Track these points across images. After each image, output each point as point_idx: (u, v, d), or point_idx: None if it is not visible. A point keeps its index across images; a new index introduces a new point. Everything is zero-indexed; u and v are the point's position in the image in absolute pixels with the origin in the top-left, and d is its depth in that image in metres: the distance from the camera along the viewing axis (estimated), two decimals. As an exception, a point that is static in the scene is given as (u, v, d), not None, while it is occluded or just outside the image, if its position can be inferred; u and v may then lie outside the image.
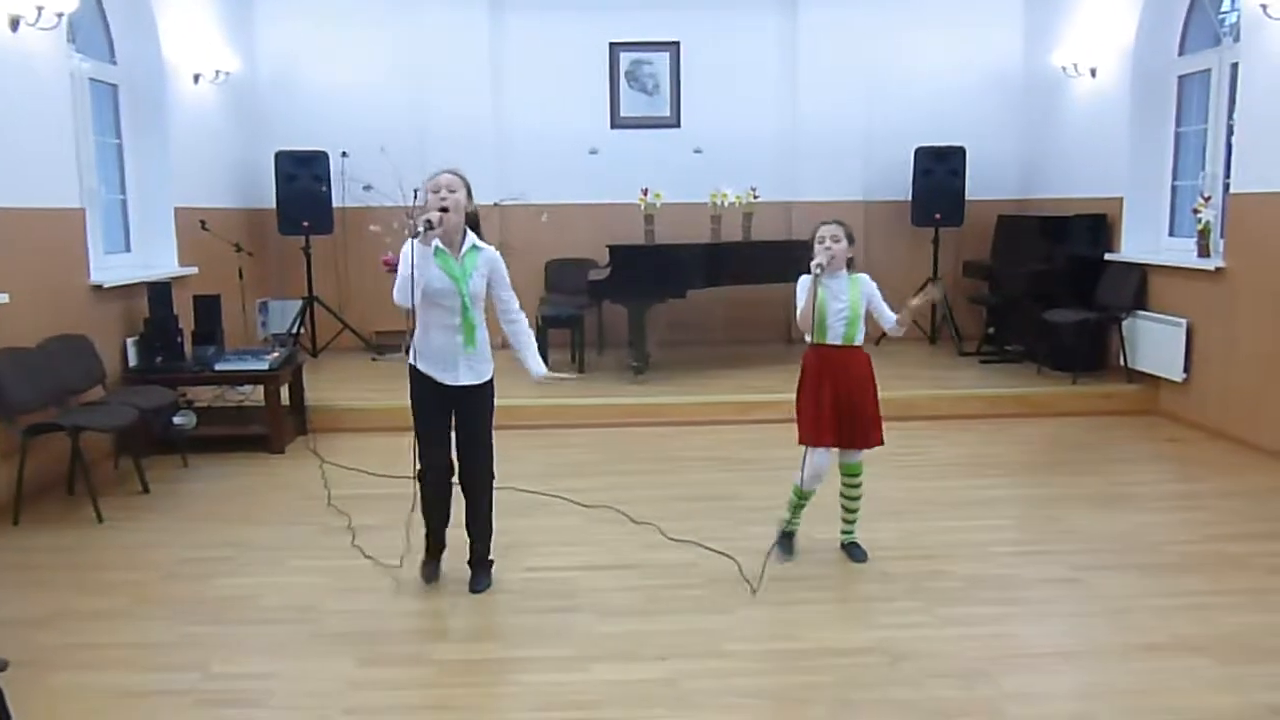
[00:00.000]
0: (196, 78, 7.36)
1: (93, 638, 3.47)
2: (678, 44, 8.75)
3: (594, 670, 3.21)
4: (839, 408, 3.90)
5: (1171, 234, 7.06)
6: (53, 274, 5.33)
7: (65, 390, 5.08)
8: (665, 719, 2.94)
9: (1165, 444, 6.06)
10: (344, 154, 8.32)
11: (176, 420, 5.74)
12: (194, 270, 6.93)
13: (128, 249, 6.86)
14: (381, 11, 8.53)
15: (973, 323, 8.46)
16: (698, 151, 8.74)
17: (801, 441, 3.95)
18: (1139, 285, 6.90)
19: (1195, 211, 6.42)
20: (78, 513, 4.78)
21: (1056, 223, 7.60)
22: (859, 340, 3.94)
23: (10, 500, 4.69)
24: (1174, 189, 7.06)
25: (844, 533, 4.16)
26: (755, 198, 8.08)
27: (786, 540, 4.11)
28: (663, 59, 8.78)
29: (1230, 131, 6.20)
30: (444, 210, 3.52)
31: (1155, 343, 6.64)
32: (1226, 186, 6.18)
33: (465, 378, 3.68)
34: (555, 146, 8.65)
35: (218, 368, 5.95)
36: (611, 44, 8.72)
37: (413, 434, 3.74)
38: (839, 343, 3.91)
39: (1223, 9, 6.55)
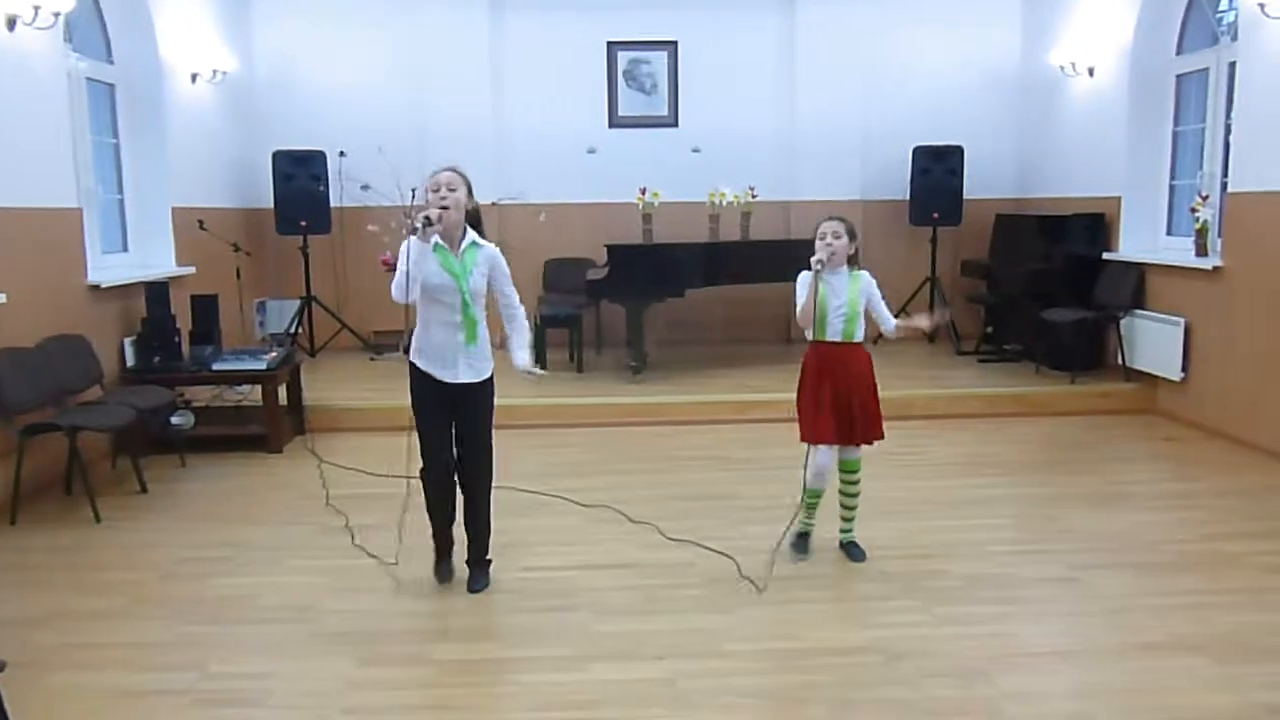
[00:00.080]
0: (194, 77, 7.35)
1: (90, 638, 3.47)
2: (676, 43, 8.75)
3: (592, 670, 3.21)
4: (839, 405, 3.90)
5: (1169, 233, 7.07)
6: (50, 274, 5.32)
7: (63, 390, 5.07)
8: (663, 718, 2.94)
9: (1163, 443, 6.06)
10: (341, 153, 8.31)
11: (174, 420, 5.74)
12: (191, 270, 6.92)
13: (125, 249, 6.85)
14: (379, 11, 8.51)
15: (971, 322, 8.46)
16: (696, 151, 8.73)
17: (803, 439, 3.96)
18: (1137, 284, 6.91)
19: (1193, 210, 6.43)
20: (75, 513, 4.77)
21: (1054, 222, 7.60)
22: (859, 337, 3.95)
23: (8, 500, 4.69)
24: (1172, 188, 7.06)
25: (843, 532, 4.16)
26: (753, 197, 8.08)
27: (801, 541, 4.12)
28: (661, 58, 8.78)
29: (1228, 130, 6.20)
30: (444, 209, 3.53)
31: (1153, 342, 6.64)
32: (1224, 185, 6.18)
33: (465, 375, 3.68)
34: (553, 146, 8.65)
35: (215, 368, 5.94)
36: (610, 43, 8.72)
37: (410, 433, 3.74)
38: (838, 339, 3.92)
39: (1220, 8, 6.56)
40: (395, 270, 3.54)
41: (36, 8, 4.97)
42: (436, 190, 3.57)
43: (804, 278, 3.88)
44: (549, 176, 8.55)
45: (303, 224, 7.97)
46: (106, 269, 6.20)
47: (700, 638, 3.42)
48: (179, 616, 3.64)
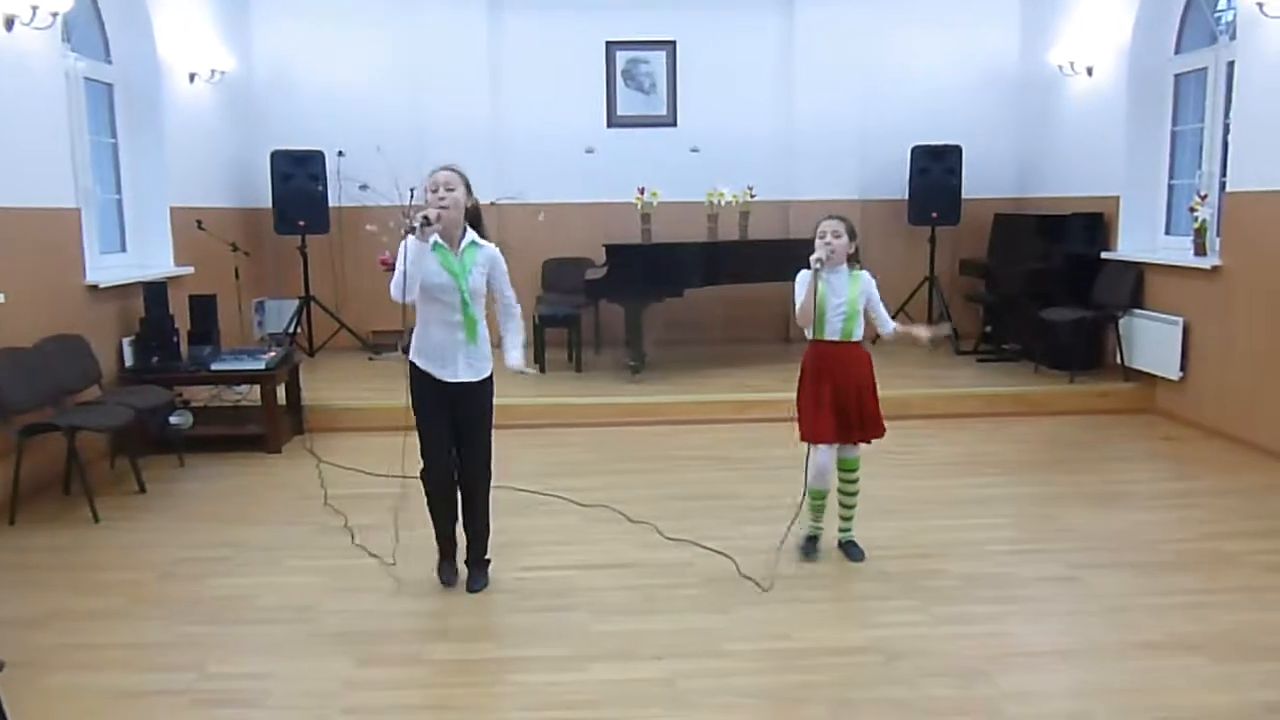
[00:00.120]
0: (192, 77, 7.35)
1: (89, 638, 3.47)
2: (674, 43, 8.75)
3: (591, 670, 3.21)
4: (839, 404, 3.91)
5: (1168, 232, 7.07)
6: (48, 274, 5.32)
7: (61, 390, 5.07)
8: (662, 718, 2.93)
9: (1161, 442, 6.06)
10: (340, 153, 8.30)
11: (173, 420, 5.73)
12: (190, 270, 6.91)
13: (123, 249, 6.85)
14: (378, 11, 8.51)
15: (970, 321, 8.46)
16: (694, 150, 8.73)
17: (802, 439, 3.96)
18: (1135, 284, 6.91)
19: (1191, 210, 6.43)
20: (74, 513, 4.77)
21: (1053, 221, 7.60)
22: (858, 335, 3.95)
23: (6, 500, 4.68)
24: (1170, 187, 7.07)
25: (841, 531, 4.16)
26: (752, 197, 8.08)
27: (810, 544, 4.13)
28: (659, 58, 8.78)
29: (1226, 130, 6.20)
30: (443, 209, 3.53)
31: (1152, 341, 6.64)
32: (1223, 185, 6.18)
33: (464, 374, 3.68)
34: (552, 146, 8.64)
35: (214, 367, 5.94)
36: (608, 43, 8.72)
37: (407, 434, 3.74)
38: (837, 338, 3.92)
39: (1219, 7, 6.56)
40: (394, 270, 3.54)
41: (34, 7, 4.97)
42: (435, 190, 3.56)
43: (803, 276, 3.88)
44: (548, 176, 8.55)
45: (301, 224, 7.97)
46: (105, 269, 6.19)
47: (699, 637, 3.42)
48: (177, 617, 3.63)
